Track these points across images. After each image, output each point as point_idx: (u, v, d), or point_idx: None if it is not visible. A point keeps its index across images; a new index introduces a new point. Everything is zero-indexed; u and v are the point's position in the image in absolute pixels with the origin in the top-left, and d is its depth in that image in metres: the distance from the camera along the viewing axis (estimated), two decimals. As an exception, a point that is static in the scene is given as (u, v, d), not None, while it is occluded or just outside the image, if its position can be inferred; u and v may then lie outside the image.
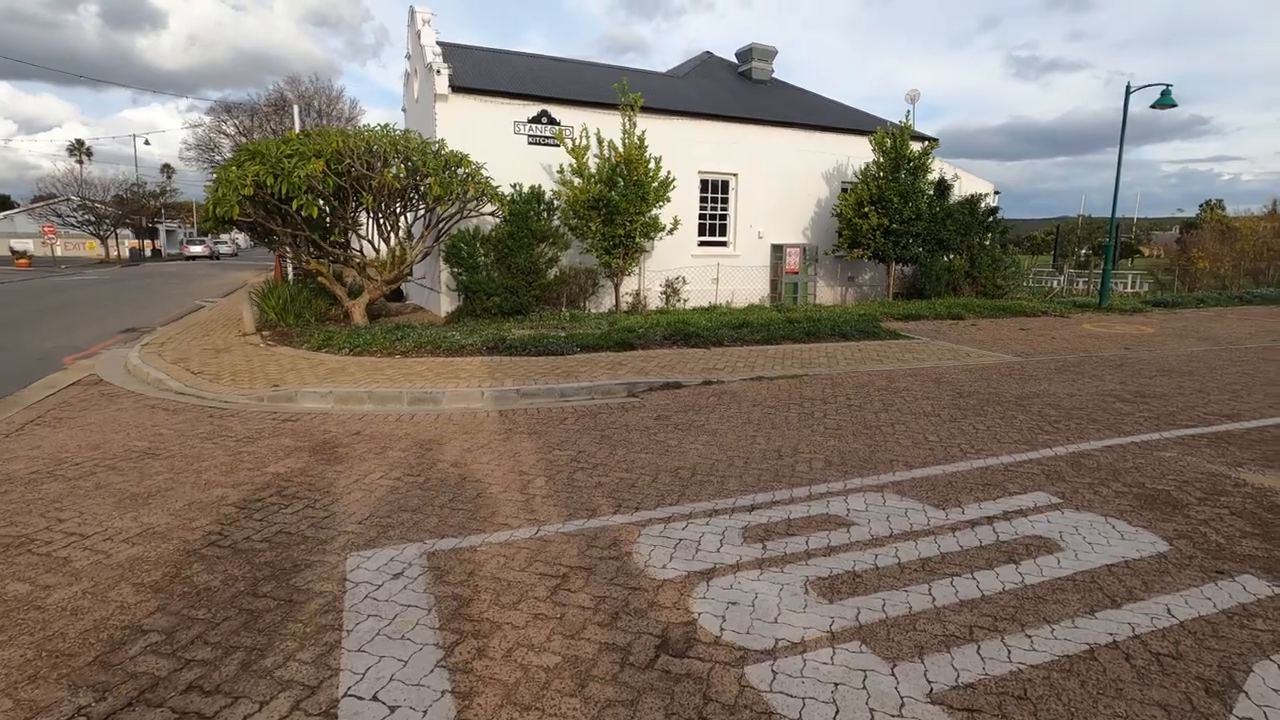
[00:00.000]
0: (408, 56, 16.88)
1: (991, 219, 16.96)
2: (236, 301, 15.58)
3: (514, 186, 12.72)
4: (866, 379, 7.86)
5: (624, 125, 13.11)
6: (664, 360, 8.57)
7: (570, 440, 5.50)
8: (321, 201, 11.01)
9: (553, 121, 14.19)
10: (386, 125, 11.54)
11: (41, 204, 52.56)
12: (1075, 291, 20.45)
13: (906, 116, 16.00)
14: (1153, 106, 14.61)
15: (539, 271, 12.15)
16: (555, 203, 13.01)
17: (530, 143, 14.14)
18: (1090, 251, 31.24)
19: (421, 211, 12.46)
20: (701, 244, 16.41)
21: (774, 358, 8.99)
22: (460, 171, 11.77)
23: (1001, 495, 4.36)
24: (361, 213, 11.87)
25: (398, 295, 17.90)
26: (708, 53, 20.85)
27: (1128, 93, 15.18)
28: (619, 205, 12.65)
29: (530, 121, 14.09)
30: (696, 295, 15.26)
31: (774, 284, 16.91)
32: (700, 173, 15.95)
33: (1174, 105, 14.46)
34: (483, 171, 12.08)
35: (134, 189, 51.11)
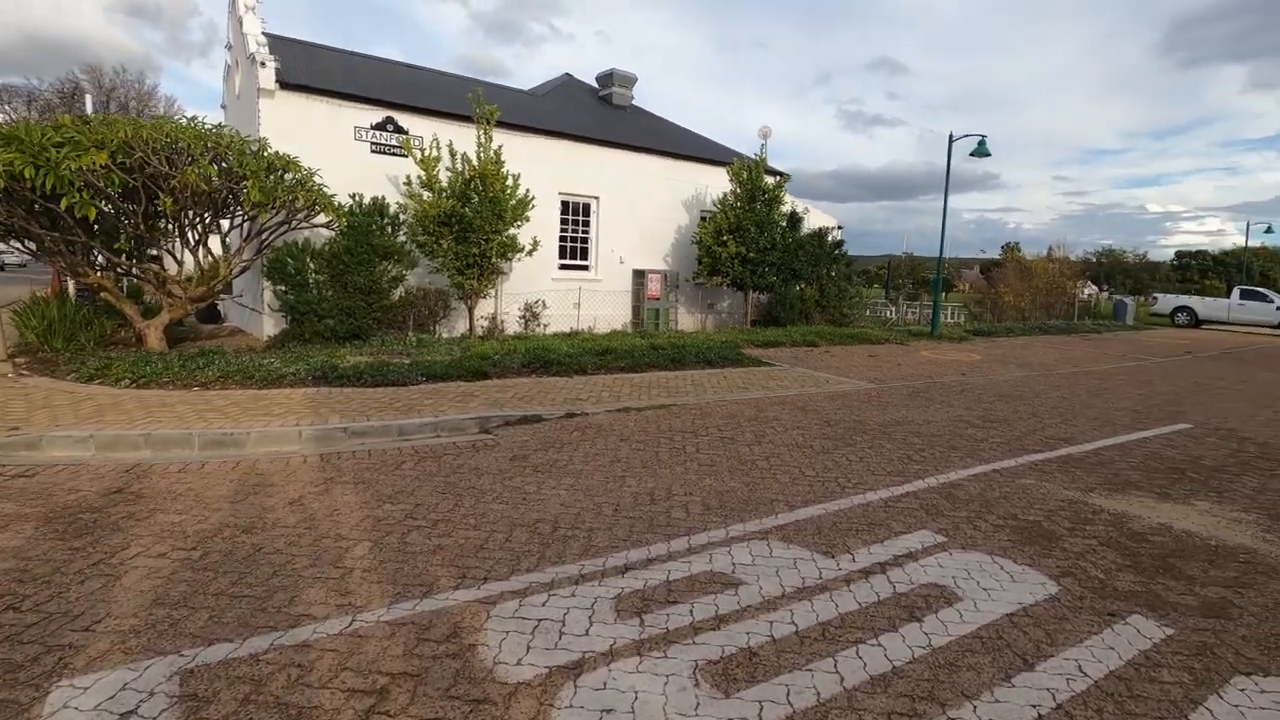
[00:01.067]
0: (228, 47, 14.95)
1: (838, 251, 17.90)
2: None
3: (353, 197, 11.42)
4: (735, 408, 7.57)
5: (479, 138, 12.28)
6: (522, 390, 7.79)
7: (407, 490, 4.58)
8: (105, 202, 9.13)
9: (400, 130, 13.04)
10: (195, 118, 9.89)
11: None
12: (908, 321, 22.20)
13: (761, 150, 16.53)
14: (971, 154, 16.15)
15: (381, 291, 10.91)
16: (402, 217, 11.84)
17: (374, 151, 12.87)
18: (915, 285, 34.51)
19: (240, 220, 10.80)
20: (562, 267, 15.81)
21: (640, 386, 8.51)
22: (288, 177, 10.34)
23: (888, 536, 4.06)
24: (162, 218, 10.05)
25: (213, 316, 15.59)
26: (567, 75, 20.54)
27: (950, 141, 16.71)
28: (473, 222, 11.75)
29: (375, 128, 12.84)
30: (557, 320, 14.59)
31: (636, 310, 16.65)
32: (561, 194, 15.41)
33: (988, 154, 16.08)
34: (316, 178, 10.72)
35: None
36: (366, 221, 10.94)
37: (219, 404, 6.51)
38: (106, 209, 9.40)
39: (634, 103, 20.58)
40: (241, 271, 11.08)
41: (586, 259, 16.35)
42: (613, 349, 10.59)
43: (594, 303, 15.74)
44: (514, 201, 12.47)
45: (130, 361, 7.84)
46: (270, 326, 12.00)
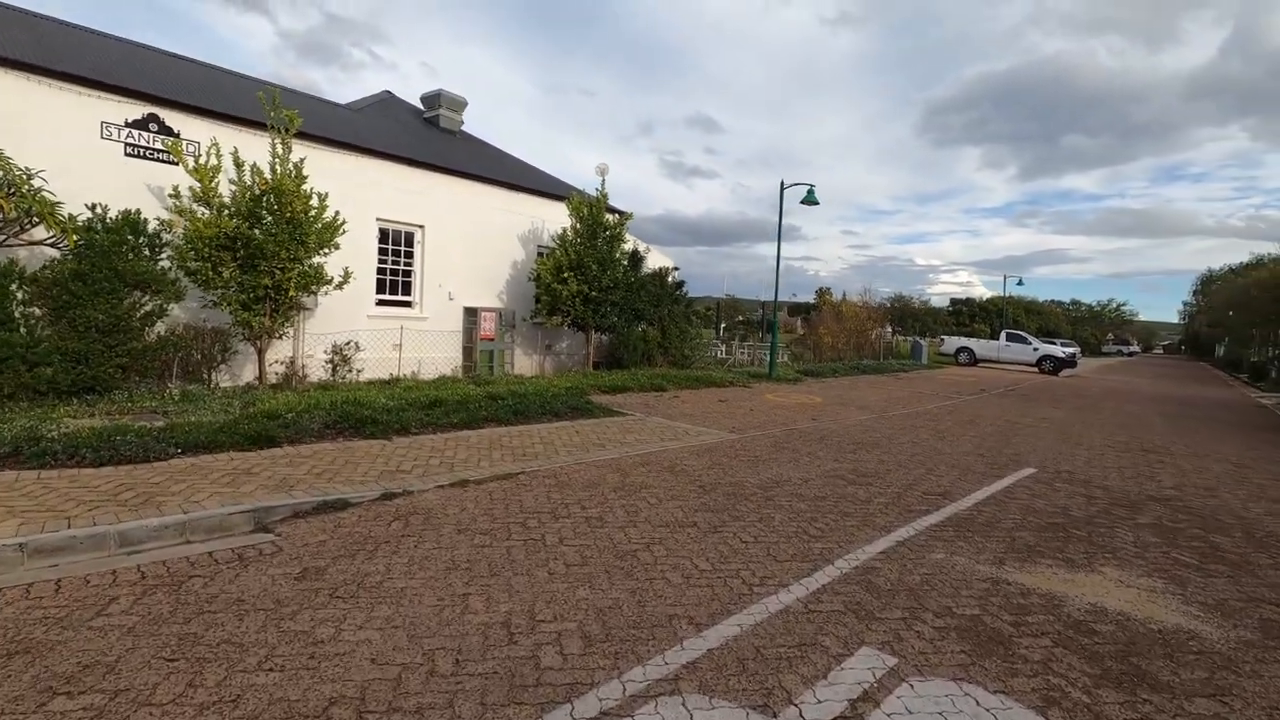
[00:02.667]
0: (-86, 7, 11.40)
1: (679, 292, 17.64)
2: None
3: (92, 208, 8.83)
4: (596, 473, 6.40)
5: (274, 148, 10.21)
6: (323, 462, 6.02)
7: (103, 659, 2.84)
8: None
9: (167, 131, 10.56)
10: None
11: None
12: (741, 361, 22.63)
13: (601, 186, 15.85)
14: (802, 202, 16.74)
15: (130, 330, 8.38)
16: (165, 236, 9.39)
17: (131, 154, 10.27)
18: (740, 325, 36.04)
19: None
20: (381, 303, 13.83)
21: (479, 448, 7.06)
22: (-12, 176, 7.67)
23: (828, 664, 3.10)
24: None
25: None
26: (388, 92, 18.63)
27: (782, 188, 17.24)
28: (264, 247, 9.60)
29: (132, 125, 10.26)
30: (374, 365, 12.57)
31: (468, 351, 15.03)
32: (380, 220, 13.53)
33: (816, 203, 16.76)
34: (36, 181, 8.11)
35: None
36: (112, 240, 8.43)
37: None
38: None
39: (464, 129, 19.13)
40: (-92, 301, 8.01)
41: (410, 294, 14.49)
42: (442, 400, 8.99)
43: (419, 344, 13.90)
44: (319, 225, 10.48)
45: None
46: (-43, 376, 8.85)
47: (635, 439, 8.12)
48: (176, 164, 10.53)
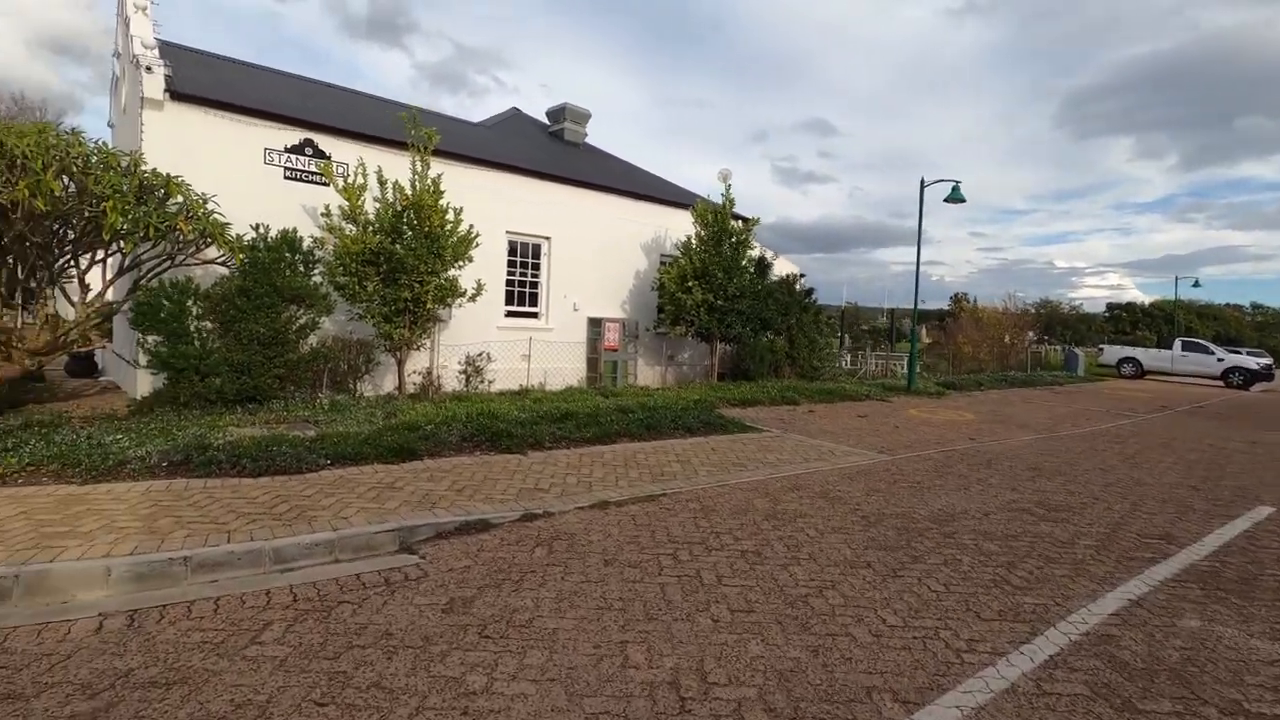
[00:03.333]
0: (116, 55, 12.85)
1: (808, 300, 16.74)
2: None
3: (256, 228, 9.42)
4: (742, 497, 5.87)
5: (414, 165, 10.53)
6: (462, 476, 5.89)
7: (258, 696, 2.65)
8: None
9: (320, 154, 11.18)
10: (46, 124, 7.80)
11: None
12: (874, 373, 21.23)
13: (726, 192, 15.32)
14: (946, 200, 15.40)
15: (287, 343, 8.83)
16: (318, 253, 9.88)
17: (289, 177, 10.95)
18: (868, 333, 34.18)
19: (109, 253, 8.65)
20: (509, 314, 14.03)
21: (613, 465, 6.73)
22: (170, 202, 8.31)
23: (1095, 776, 2.39)
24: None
25: (88, 368, 13.04)
26: (515, 109, 19.13)
27: (922, 186, 15.96)
28: (405, 261, 9.88)
29: (290, 151, 10.95)
30: (504, 375, 12.71)
31: (592, 362, 14.95)
32: (509, 233, 13.73)
33: (963, 200, 15.35)
34: (210, 205, 8.72)
35: None
36: (272, 258, 8.93)
37: (39, 502, 4.38)
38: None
39: (587, 141, 19.28)
40: (109, 316, 8.87)
41: (536, 305, 14.63)
42: (573, 413, 8.79)
43: (545, 354, 13.96)
44: (455, 239, 10.70)
45: (-103, 443, 5.56)
46: (145, 385, 9.70)
47: (776, 458, 7.51)
48: (327, 184, 11.12)
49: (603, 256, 15.24)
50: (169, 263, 8.86)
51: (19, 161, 7.08)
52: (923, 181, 15.95)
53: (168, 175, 8.39)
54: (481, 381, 11.72)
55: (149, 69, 9.57)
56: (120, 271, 8.73)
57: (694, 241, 14.97)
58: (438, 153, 11.38)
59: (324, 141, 11.27)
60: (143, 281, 8.78)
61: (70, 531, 4.06)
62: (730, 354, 16.39)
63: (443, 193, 10.51)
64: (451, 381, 11.75)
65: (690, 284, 14.33)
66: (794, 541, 4.74)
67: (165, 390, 8.61)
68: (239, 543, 4.01)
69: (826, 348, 17.58)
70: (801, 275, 18.16)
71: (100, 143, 8.12)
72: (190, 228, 8.43)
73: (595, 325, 14.88)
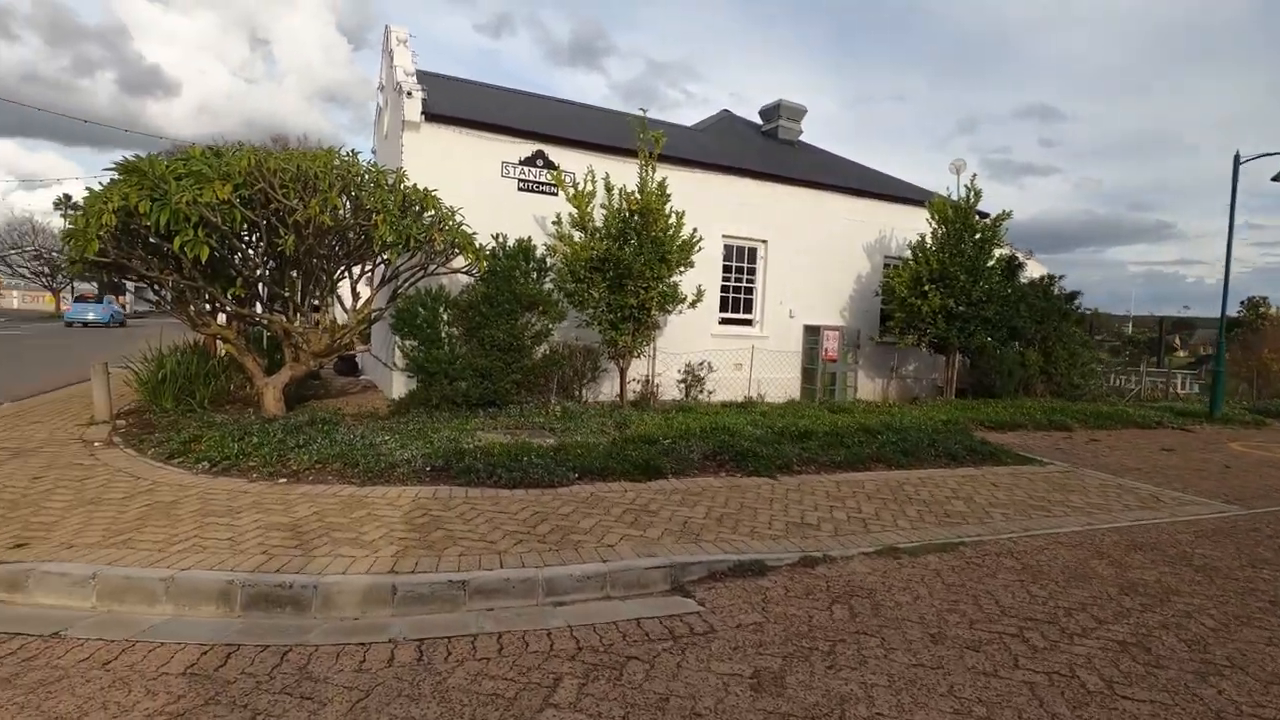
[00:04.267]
0: (380, 88, 14.30)
1: (1070, 305, 14.24)
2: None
3: (496, 237, 9.76)
4: (1071, 557, 4.62)
5: (641, 169, 10.33)
6: (716, 502, 5.30)
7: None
8: (223, 241, 7.91)
9: (550, 165, 11.44)
10: (331, 149, 8.61)
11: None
12: (1147, 392, 17.65)
13: (973, 182, 13.46)
14: (1274, 179, 12.20)
15: (523, 349, 8.98)
16: (549, 261, 10.03)
17: (522, 188, 11.33)
18: (1129, 344, 28.91)
19: (375, 264, 9.41)
20: (723, 322, 13.48)
21: (879, 497, 5.76)
22: (426, 215, 8.81)
23: None
24: (290, 263, 8.80)
25: (351, 368, 14.65)
26: (726, 111, 18.65)
27: (1236, 163, 12.81)
28: (631, 266, 9.68)
29: (523, 163, 11.32)
30: (721, 385, 12.15)
31: (808, 373, 13.92)
32: (725, 237, 13.18)
33: (1301, 178, 12.06)
34: (457, 217, 9.13)
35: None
36: (510, 266, 9.15)
37: (300, 511, 4.54)
38: (226, 250, 8.22)
39: (801, 138, 18.24)
40: (372, 322, 9.65)
41: (751, 312, 13.93)
42: (812, 431, 7.92)
43: (759, 364, 13.20)
44: (678, 243, 10.33)
45: (218, 437, 6.21)
46: (400, 386, 10.46)
47: (1084, 502, 6.03)
48: (555, 194, 11.34)
49: (821, 259, 14.15)
50: (421, 272, 9.42)
51: (311, 182, 7.83)
52: (1237, 157, 12.78)
53: (425, 190, 8.90)
54: (701, 391, 11.24)
55: (409, 94, 10.34)
56: (383, 281, 9.44)
57: (929, 241, 13.35)
58: (658, 157, 11.14)
59: (553, 152, 11.52)
60: (399, 290, 9.42)
61: (356, 539, 4.04)
62: (966, 367, 14.44)
63: (669, 196, 10.19)
64: (670, 390, 11.42)
65: (926, 288, 12.76)
66: (1188, 634, 3.49)
67: (417, 392, 9.15)
68: (511, 568, 3.72)
69: (1091, 362, 14.85)
70: (1060, 277, 15.56)
71: (371, 163, 8.81)
72: (442, 238, 8.87)
73: (812, 333, 13.84)
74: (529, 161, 11.38)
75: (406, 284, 9.40)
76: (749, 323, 13.89)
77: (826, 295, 14.41)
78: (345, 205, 8.16)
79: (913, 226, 14.45)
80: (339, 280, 9.31)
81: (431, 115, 10.55)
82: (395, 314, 8.94)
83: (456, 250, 9.26)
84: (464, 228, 9.12)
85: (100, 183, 7.78)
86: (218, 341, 10.89)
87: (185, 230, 7.16)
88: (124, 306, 38.36)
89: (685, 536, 4.42)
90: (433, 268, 9.45)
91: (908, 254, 14.06)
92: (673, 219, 10.39)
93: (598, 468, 5.81)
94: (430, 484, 5.31)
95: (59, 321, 36.75)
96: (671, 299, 10.42)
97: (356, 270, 9.58)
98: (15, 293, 51.86)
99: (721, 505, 5.20)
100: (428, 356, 8.50)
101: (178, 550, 3.78)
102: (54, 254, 45.23)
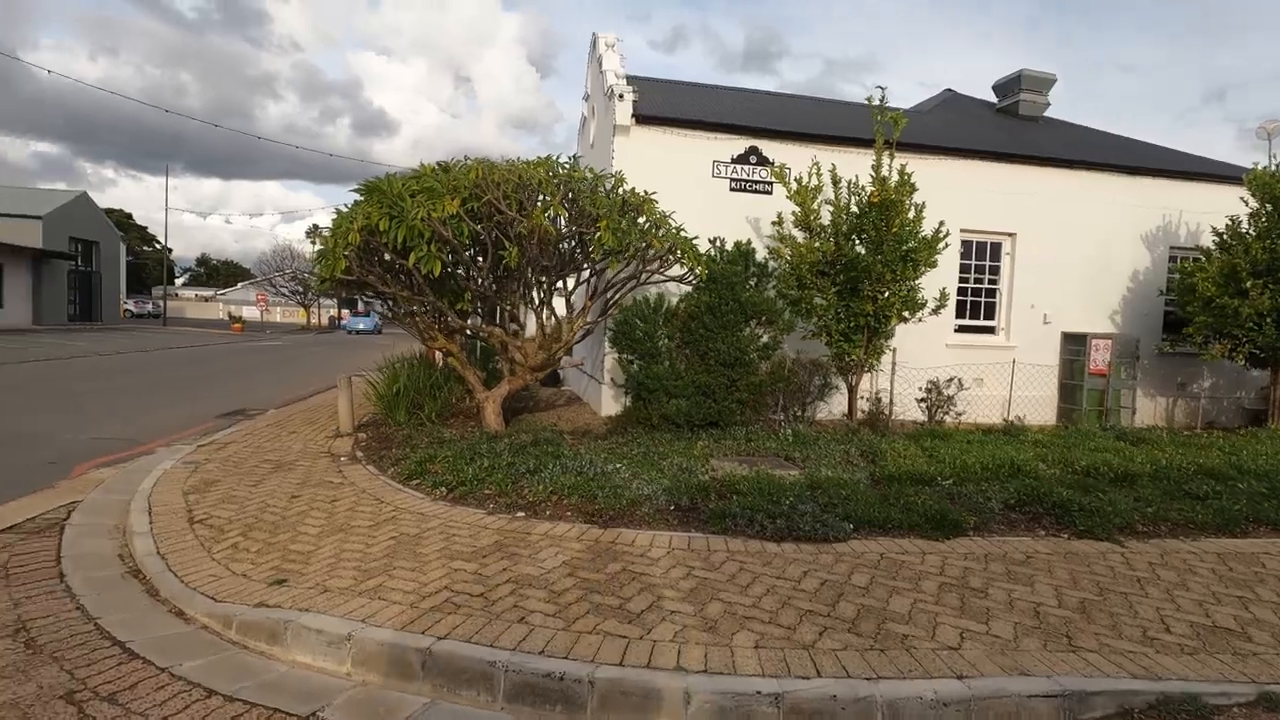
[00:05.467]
0: (585, 98, 14.25)
1: None
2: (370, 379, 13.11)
3: (713, 242, 8.97)
4: None
5: (877, 158, 9.00)
6: (1054, 578, 3.95)
7: None
8: (451, 255, 7.89)
9: (764, 161, 10.48)
10: (548, 157, 8.34)
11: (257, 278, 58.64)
12: None
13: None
14: None
15: (747, 364, 8.06)
16: (771, 265, 9.05)
17: (734, 188, 10.50)
18: None
19: (586, 274, 9.05)
20: (959, 330, 11.63)
21: (1299, 585, 4.02)
22: (641, 220, 8.24)
23: None
24: (505, 273, 8.69)
25: (553, 378, 14.73)
26: (949, 90, 16.48)
27: None
28: (870, 268, 8.38)
29: (735, 161, 10.48)
30: (971, 404, 10.34)
31: (1066, 390, 11.62)
32: (962, 231, 11.33)
33: None
34: (671, 220, 8.47)
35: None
36: (731, 272, 8.30)
37: (548, 560, 3.93)
38: (454, 265, 8.23)
39: (1046, 114, 15.58)
40: (585, 335, 9.31)
41: (993, 318, 11.91)
42: (1132, 473, 6.13)
43: (1004, 379, 11.17)
44: (919, 240, 8.84)
45: (451, 458, 5.96)
46: (610, 402, 10.06)
47: None
48: (770, 193, 10.37)
49: (1083, 254, 11.74)
50: (634, 282, 8.88)
51: (535, 191, 7.56)
52: None
53: (642, 195, 8.34)
54: (948, 412, 9.57)
55: (620, 96, 9.92)
56: (597, 291, 9.04)
57: (1246, 225, 10.49)
58: (889, 145, 9.70)
59: (767, 147, 10.54)
60: (611, 301, 8.95)
61: (620, 608, 3.32)
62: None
63: (914, 186, 8.74)
64: (908, 410, 9.90)
65: (1246, 284, 9.97)
66: None
67: (633, 410, 8.59)
68: (833, 676, 2.75)
69: None
70: None
71: (589, 169, 8.42)
72: (660, 244, 8.24)
73: (1074, 342, 11.51)
74: (741, 159, 10.52)
75: (619, 293, 8.92)
76: (990, 330, 11.89)
77: (1090, 296, 11.95)
78: (566, 212, 7.80)
79: (1212, 209, 11.57)
80: (554, 292, 9.04)
81: (641, 117, 10.06)
82: (614, 326, 8.45)
83: (671, 258, 8.61)
84: (682, 232, 8.44)
85: (342, 207, 8.14)
86: (436, 353, 11.35)
87: (419, 246, 7.16)
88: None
89: (1051, 638, 3.18)
90: (645, 276, 8.87)
91: (1208, 243, 11.23)
92: (911, 213, 8.94)
93: (875, 517, 4.68)
94: (680, 529, 4.52)
95: (311, 333, 43.29)
96: (911, 305, 8.96)
97: (571, 281, 9.29)
98: (277, 309, 61.44)
99: (1069, 585, 3.84)
100: (646, 373, 7.88)
101: (429, 606, 3.29)
102: (306, 275, 52.75)
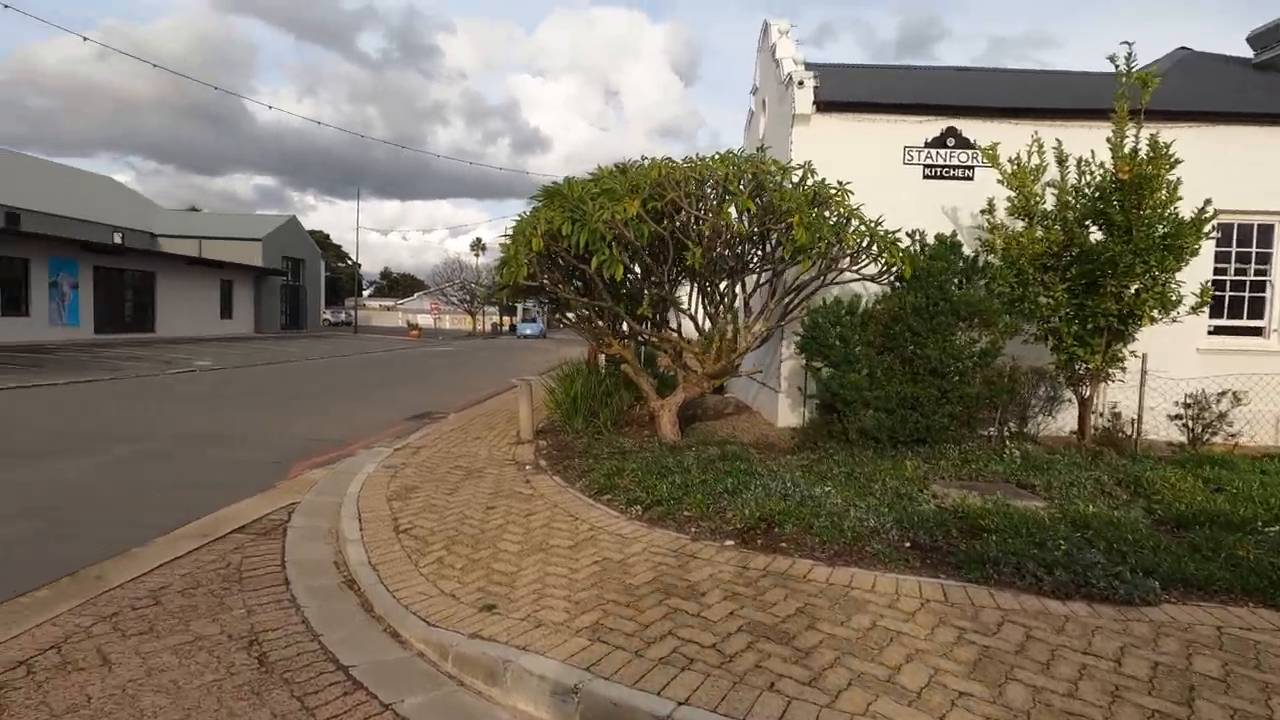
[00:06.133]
0: (753, 91, 13.62)
1: None
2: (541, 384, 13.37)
3: (912, 235, 8.00)
4: None
5: (1118, 129, 7.54)
6: None
7: None
8: (631, 258, 7.61)
9: (964, 143, 9.30)
10: (729, 151, 7.82)
11: (425, 289, 63.83)
12: None
13: None
14: None
15: (962, 373, 7.02)
16: (981, 259, 7.90)
17: (927, 175, 9.41)
18: None
19: (765, 276, 8.44)
20: (1214, 331, 9.64)
21: None
22: (829, 215, 7.49)
23: None
24: (683, 276, 8.31)
25: (719, 386, 14.24)
26: (1183, 48, 13.94)
27: None
28: (1116, 259, 7.00)
29: (929, 145, 9.39)
30: (1244, 424, 8.46)
31: (1364, 406, 9.20)
32: (1220, 213, 9.31)
33: None
34: (861, 213, 7.63)
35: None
36: (938, 268, 7.30)
37: (780, 607, 3.36)
38: (634, 268, 7.95)
39: (1320, 64, 12.67)
40: (763, 341, 8.69)
41: (1261, 317, 9.78)
42: None
43: (1275, 392, 9.05)
44: (1171, 225, 7.27)
45: (639, 471, 5.61)
46: (786, 412, 9.37)
47: None
48: (971, 178, 9.20)
49: (1398, 233, 9.27)
50: (819, 282, 8.12)
51: (721, 186, 7.08)
52: None
53: (831, 187, 7.59)
54: (1216, 432, 7.84)
55: (800, 83, 9.20)
56: (780, 292, 8.38)
57: None
58: (1092, 114, 8.14)
59: (968, 127, 9.33)
60: (795, 303, 8.25)
61: (889, 681, 2.67)
62: None
63: (1172, 159, 7.22)
64: (1159, 427, 8.26)
65: None
66: None
67: (817, 421, 7.84)
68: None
69: None
70: None
71: (774, 161, 7.80)
72: (853, 241, 7.44)
73: (1382, 346, 9.10)
74: (937, 142, 9.40)
75: (801, 297, 8.21)
76: (1258, 332, 9.75)
77: (1400, 287, 9.43)
78: (754, 206, 7.24)
79: None
80: (732, 295, 8.51)
81: (823, 104, 9.28)
82: (801, 331, 7.77)
83: (864, 255, 7.77)
84: (878, 227, 7.57)
85: (508, 219, 8.17)
86: (600, 357, 11.22)
87: (601, 249, 6.93)
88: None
89: None
90: (832, 276, 8.08)
91: None
92: (1164, 192, 7.39)
93: (1188, 573, 3.64)
94: (927, 574, 3.78)
95: (477, 339, 46.57)
96: (1165, 302, 7.41)
97: (750, 282, 8.72)
98: (447, 316, 66.62)
99: None
100: (841, 382, 7.09)
101: (656, 657, 2.86)
102: (472, 284, 56.63)
